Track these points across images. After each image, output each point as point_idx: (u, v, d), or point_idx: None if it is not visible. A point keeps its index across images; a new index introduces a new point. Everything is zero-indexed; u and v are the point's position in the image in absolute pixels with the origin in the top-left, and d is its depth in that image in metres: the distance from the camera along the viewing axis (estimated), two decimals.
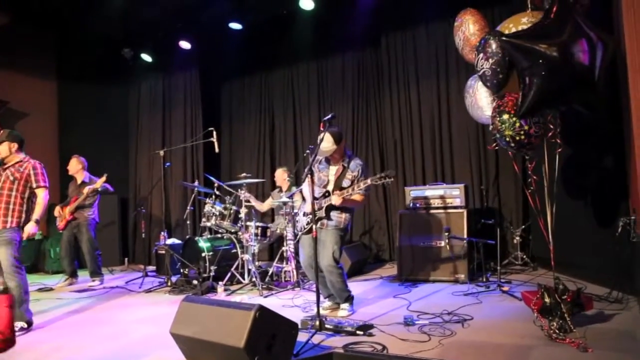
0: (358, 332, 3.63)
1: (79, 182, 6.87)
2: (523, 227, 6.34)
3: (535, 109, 3.81)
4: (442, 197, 5.78)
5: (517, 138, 3.98)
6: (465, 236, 5.45)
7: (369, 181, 4.09)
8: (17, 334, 4.05)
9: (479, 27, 4.50)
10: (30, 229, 4.42)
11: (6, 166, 4.51)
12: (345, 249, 6.31)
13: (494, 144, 4.38)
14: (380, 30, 7.55)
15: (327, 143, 4.23)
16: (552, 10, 3.73)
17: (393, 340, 3.47)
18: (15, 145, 4.57)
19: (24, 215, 4.48)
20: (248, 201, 6.26)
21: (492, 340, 3.38)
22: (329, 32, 7.75)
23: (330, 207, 4.27)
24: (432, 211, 5.76)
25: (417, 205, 5.90)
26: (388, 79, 7.54)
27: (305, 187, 4.57)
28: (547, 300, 3.34)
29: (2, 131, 4.64)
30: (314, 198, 4.43)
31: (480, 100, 4.44)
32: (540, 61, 3.61)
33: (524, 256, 6.17)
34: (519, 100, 3.83)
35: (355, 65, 7.92)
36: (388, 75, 7.55)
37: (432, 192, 5.88)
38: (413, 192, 6.00)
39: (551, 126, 4.07)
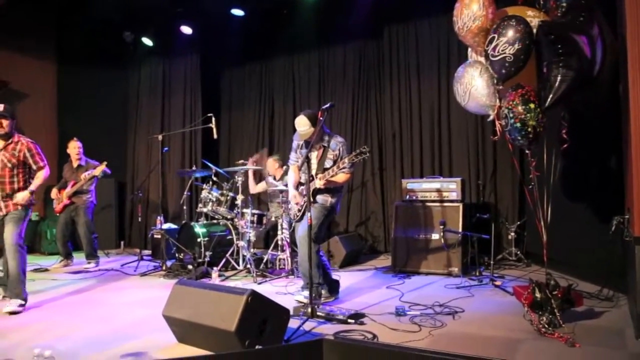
0: (349, 320, 3.66)
1: (74, 165, 6.86)
2: (518, 223, 6.37)
3: (557, 104, 3.77)
4: (438, 191, 5.79)
5: (538, 130, 3.90)
6: (460, 230, 5.47)
7: (346, 160, 4.12)
8: (16, 311, 4.13)
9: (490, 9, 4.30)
10: (24, 197, 4.32)
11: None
12: (340, 239, 6.35)
13: (496, 136, 4.27)
14: (383, 21, 7.52)
15: (303, 127, 4.26)
16: (578, 3, 3.69)
17: (384, 329, 3.50)
18: (14, 123, 4.43)
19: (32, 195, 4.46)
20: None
21: (482, 333, 3.41)
22: (331, 21, 7.71)
23: (316, 191, 4.28)
24: (428, 204, 5.77)
25: (414, 197, 5.91)
26: (389, 71, 7.52)
27: (291, 175, 4.58)
28: (537, 295, 3.36)
29: (2, 104, 4.41)
30: (300, 184, 4.46)
31: (482, 88, 4.22)
32: (576, 54, 3.57)
33: (518, 252, 6.19)
34: (542, 92, 3.75)
35: (356, 56, 7.89)
36: (389, 67, 7.53)
37: (429, 185, 5.89)
38: (410, 185, 6.01)
39: (564, 122, 4.03)
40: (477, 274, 5.35)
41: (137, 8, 7.86)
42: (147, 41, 8.68)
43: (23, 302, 4.26)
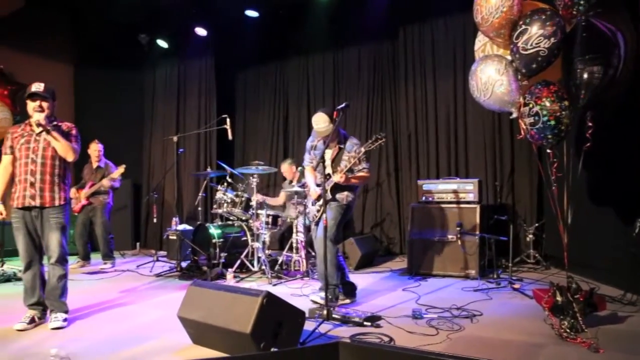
0: (365, 323, 3.61)
1: (94, 166, 6.95)
2: (537, 225, 6.26)
3: (589, 102, 3.67)
4: (455, 192, 5.72)
5: (569, 128, 3.81)
6: (477, 232, 5.39)
7: (362, 149, 4.08)
8: (62, 325, 3.82)
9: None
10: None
11: (41, 130, 3.90)
12: (355, 241, 6.30)
13: (520, 135, 4.15)
14: (398, 22, 7.46)
15: (323, 123, 4.21)
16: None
17: (400, 332, 3.45)
18: (55, 105, 4.03)
19: (68, 189, 4.08)
20: (264, 203, 6.19)
21: (500, 337, 3.34)
22: (345, 22, 7.68)
23: (335, 188, 4.24)
24: (445, 205, 5.70)
25: (430, 199, 5.84)
26: (404, 72, 7.47)
27: (308, 175, 4.55)
28: (558, 298, 3.28)
29: (42, 84, 3.96)
30: (317, 185, 4.42)
31: (506, 84, 4.07)
32: (609, 51, 3.48)
33: (537, 254, 6.09)
34: (573, 89, 3.66)
35: (371, 57, 7.85)
36: (404, 67, 7.47)
37: (445, 186, 5.82)
38: (425, 186, 5.95)
39: (589, 122, 3.92)
40: (495, 276, 5.26)
41: (152, 10, 7.91)
42: (162, 43, 8.74)
43: (67, 317, 3.94)
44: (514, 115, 4.11)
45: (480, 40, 4.57)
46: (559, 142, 3.89)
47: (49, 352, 2.72)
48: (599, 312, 3.40)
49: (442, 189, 5.82)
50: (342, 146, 4.34)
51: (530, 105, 3.88)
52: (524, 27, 3.79)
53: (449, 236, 5.54)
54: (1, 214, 3.94)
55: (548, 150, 4.08)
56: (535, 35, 3.71)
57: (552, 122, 3.77)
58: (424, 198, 5.90)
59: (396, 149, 7.58)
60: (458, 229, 5.42)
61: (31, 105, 3.89)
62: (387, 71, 7.74)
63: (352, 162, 4.17)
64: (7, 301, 4.73)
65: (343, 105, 4.10)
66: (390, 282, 5.40)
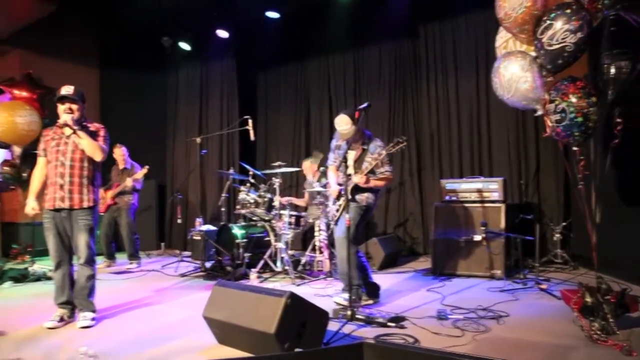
0: (390, 323, 3.59)
1: (120, 167, 7.08)
2: (564, 224, 6.13)
3: (617, 98, 3.59)
4: (479, 191, 5.65)
5: (597, 125, 3.72)
6: (502, 231, 5.31)
7: (384, 152, 4.06)
8: (90, 324, 3.90)
9: None
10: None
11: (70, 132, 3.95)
12: (378, 241, 6.27)
13: (546, 132, 4.07)
14: (419, 20, 7.41)
15: (345, 125, 4.18)
16: None
17: (425, 333, 3.42)
18: (84, 107, 4.09)
19: (97, 191, 4.12)
20: (290, 205, 6.22)
21: (528, 338, 3.28)
22: (366, 21, 7.65)
23: (355, 189, 4.22)
24: (469, 205, 5.63)
25: (453, 198, 5.79)
26: (426, 70, 7.41)
27: (331, 175, 4.54)
28: (588, 299, 3.21)
29: (72, 87, 4.01)
30: (338, 184, 4.40)
31: (531, 81, 3.98)
32: (637, 46, 3.40)
33: (564, 254, 5.96)
34: (600, 85, 3.58)
35: (392, 55, 7.80)
36: (426, 66, 7.41)
37: (469, 185, 5.75)
38: (449, 185, 5.89)
39: (618, 118, 3.83)
40: (522, 277, 5.18)
41: (175, 14, 8.00)
42: (185, 46, 8.83)
43: (96, 316, 4.04)
44: (539, 112, 4.02)
45: (502, 37, 4.50)
46: (586, 139, 3.80)
47: (78, 350, 2.77)
48: (631, 313, 3.31)
49: (465, 188, 5.76)
50: (365, 147, 4.32)
51: (556, 102, 3.79)
52: (548, 22, 3.69)
53: (474, 236, 5.47)
54: (34, 210, 4.03)
55: (574, 148, 3.99)
56: (561, 31, 3.61)
57: (580, 119, 3.68)
58: (447, 197, 5.84)
59: (419, 148, 7.52)
60: (483, 228, 5.35)
61: (61, 108, 3.96)
62: (408, 70, 7.68)
63: (373, 165, 4.15)
64: (38, 300, 4.85)
65: (365, 105, 4.08)
66: (414, 283, 5.36)
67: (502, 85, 4.18)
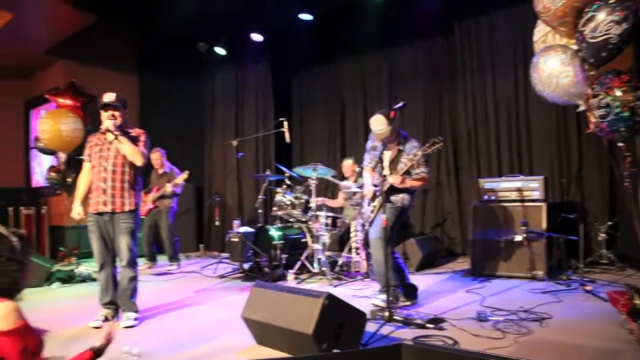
0: (428, 325, 3.55)
1: (160, 172, 7.24)
2: (609, 223, 5.90)
3: None
4: (519, 190, 5.51)
5: None
6: (544, 231, 5.17)
7: (419, 152, 4.00)
8: (133, 324, 4.00)
9: None
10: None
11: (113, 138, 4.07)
12: (416, 241, 6.21)
13: (590, 128, 3.93)
14: (453, 16, 7.28)
15: (380, 125, 4.14)
16: None
17: (465, 335, 3.36)
18: (126, 114, 4.23)
19: (139, 195, 4.23)
20: (326, 207, 6.23)
21: (572, 342, 3.19)
22: (399, 20, 7.57)
23: (391, 190, 4.18)
24: (508, 204, 5.51)
25: (492, 198, 5.67)
26: (462, 68, 7.28)
27: (366, 176, 4.52)
28: (637, 302, 3.08)
29: (114, 94, 4.16)
30: (374, 186, 4.38)
31: (572, 75, 3.84)
32: None
33: (610, 255, 5.74)
34: None
35: (426, 54, 7.72)
36: (462, 63, 7.28)
37: (508, 184, 5.63)
38: (487, 184, 5.78)
39: None
40: (565, 278, 5.03)
41: (210, 19, 8.13)
42: (220, 50, 8.97)
43: (139, 317, 4.14)
44: (581, 107, 3.89)
45: (541, 31, 4.38)
46: (632, 134, 3.65)
47: (121, 349, 2.85)
48: None
49: (505, 187, 5.64)
50: (401, 148, 4.28)
51: (600, 97, 3.65)
52: (590, 13, 3.56)
53: (514, 236, 5.34)
54: (80, 214, 4.17)
55: (620, 144, 3.84)
56: (604, 22, 3.44)
57: (626, 114, 3.53)
58: (486, 197, 5.73)
59: (455, 147, 7.41)
60: (523, 228, 5.22)
61: (104, 115, 4.09)
62: (443, 68, 7.57)
63: (409, 165, 4.11)
64: (84, 301, 5.01)
65: (400, 104, 4.05)
66: (453, 284, 5.29)
67: (541, 81, 4.06)
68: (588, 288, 4.57)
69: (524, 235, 5.21)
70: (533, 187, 5.46)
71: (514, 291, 4.78)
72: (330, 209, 6.56)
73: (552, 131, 6.48)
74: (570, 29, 3.81)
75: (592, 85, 3.74)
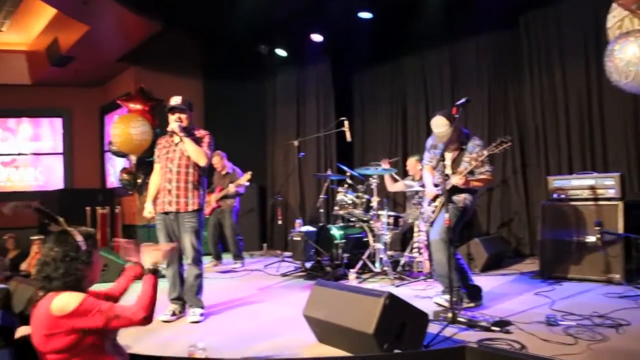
0: (494, 328, 3.43)
1: (222, 173, 7.45)
2: None
3: None
4: (592, 188, 5.22)
5: None
6: (620, 231, 4.87)
7: (485, 152, 3.86)
8: (199, 320, 4.16)
9: None
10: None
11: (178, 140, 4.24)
12: (481, 241, 6.03)
13: None
14: (519, 8, 7.00)
15: (442, 127, 4.03)
16: None
17: (533, 339, 3.22)
18: (192, 116, 4.38)
19: (203, 195, 4.34)
20: (388, 206, 6.18)
21: None
22: (461, 14, 7.36)
23: (453, 189, 4.07)
24: (580, 203, 5.22)
25: (562, 196, 5.41)
26: (528, 62, 6.97)
27: (427, 175, 4.44)
28: None
29: (180, 97, 4.33)
30: (435, 185, 4.28)
31: None
32: None
33: None
34: None
35: (490, 48, 7.46)
36: (528, 57, 6.97)
37: (580, 182, 5.34)
38: (557, 182, 5.51)
39: None
40: None
41: (270, 22, 8.27)
42: (281, 52, 9.10)
43: (204, 312, 4.27)
44: None
45: (616, 16, 4.12)
46: None
47: (188, 343, 2.96)
48: None
49: (576, 185, 5.36)
50: (464, 147, 4.16)
51: None
52: None
53: (587, 236, 5.07)
54: (151, 213, 4.37)
55: None
56: None
57: None
58: (555, 195, 5.47)
59: (522, 144, 7.12)
60: (597, 228, 4.93)
61: (171, 118, 4.27)
62: (508, 62, 7.29)
63: (473, 165, 3.99)
64: None
65: (463, 100, 3.94)
66: (520, 286, 5.09)
67: (617, 70, 3.84)
68: None
69: (598, 235, 4.92)
70: (608, 184, 5.15)
71: (587, 295, 4.53)
72: (393, 207, 6.49)
73: (629, 124, 6.08)
74: None
75: None
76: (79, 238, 2.23)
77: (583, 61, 6.43)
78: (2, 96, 10.35)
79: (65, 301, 2.08)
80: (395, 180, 6.94)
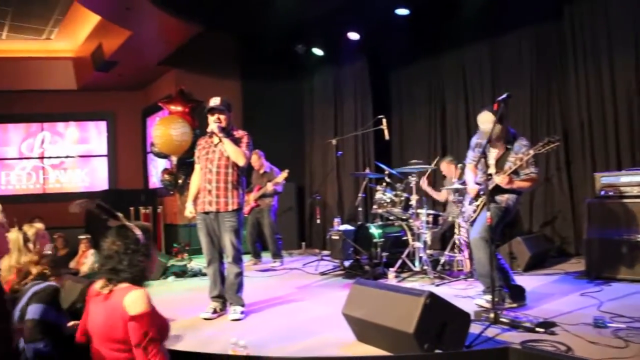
0: (538, 329, 3.34)
1: (260, 172, 7.53)
2: None
3: None
4: None
5: None
6: None
7: (531, 152, 3.75)
8: (240, 317, 4.21)
9: None
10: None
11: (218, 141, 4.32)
12: (523, 240, 5.88)
13: None
14: (562, 0, 6.78)
15: (490, 123, 3.93)
16: None
17: (580, 341, 3.12)
18: (231, 117, 4.44)
19: (243, 195, 4.38)
20: (427, 204, 6.14)
21: None
22: (501, 6, 7.19)
23: (495, 189, 3.97)
24: (630, 200, 5.02)
25: (610, 193, 5.21)
26: (573, 55, 6.73)
27: (469, 173, 4.36)
28: None
29: (219, 98, 4.39)
30: (477, 184, 4.19)
31: None
32: None
33: None
34: None
35: (532, 41, 7.23)
36: (572, 50, 6.73)
37: (630, 178, 5.12)
38: (604, 179, 5.31)
39: None
40: None
41: (306, 21, 8.30)
42: (317, 51, 9.11)
43: (245, 310, 4.33)
44: None
45: None
46: None
47: (229, 340, 3.01)
48: None
49: (625, 181, 5.15)
50: (509, 146, 4.06)
51: None
52: None
53: (638, 235, 4.86)
54: (192, 213, 4.46)
55: None
56: None
57: None
58: (602, 192, 5.27)
59: (567, 140, 6.88)
60: None
61: (211, 119, 4.36)
62: (552, 56, 7.06)
63: (518, 165, 3.88)
64: (195, 293, 5.36)
65: (504, 96, 3.84)
66: (565, 286, 4.93)
67: None
68: None
69: None
70: None
71: (638, 296, 4.35)
72: (432, 205, 6.42)
73: None
74: None
75: None
76: (138, 232, 2.30)
77: (632, 50, 6.16)
78: (51, 101, 10.81)
79: (139, 298, 2.16)
80: (438, 191, 6.89)
